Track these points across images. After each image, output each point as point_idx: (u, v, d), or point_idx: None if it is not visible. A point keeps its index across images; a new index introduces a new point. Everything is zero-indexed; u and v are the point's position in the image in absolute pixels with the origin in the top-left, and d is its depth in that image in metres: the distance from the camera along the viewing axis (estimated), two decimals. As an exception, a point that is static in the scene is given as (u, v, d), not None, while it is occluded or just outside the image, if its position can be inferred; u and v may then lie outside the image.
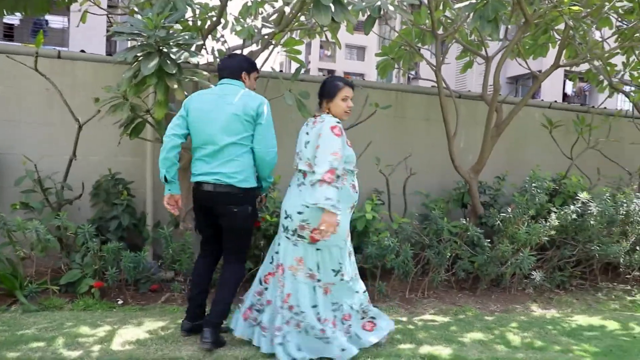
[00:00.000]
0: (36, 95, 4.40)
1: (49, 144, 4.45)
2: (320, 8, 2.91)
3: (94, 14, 4.72)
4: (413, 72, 10.07)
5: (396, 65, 5.79)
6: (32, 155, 4.28)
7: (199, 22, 4.49)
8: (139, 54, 3.15)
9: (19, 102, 4.40)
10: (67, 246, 4.14)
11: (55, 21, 11.82)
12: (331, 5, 2.96)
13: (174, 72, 3.14)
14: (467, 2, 3.70)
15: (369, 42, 33.67)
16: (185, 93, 3.46)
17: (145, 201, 4.60)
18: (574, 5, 3.99)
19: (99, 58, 4.69)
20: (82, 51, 4.74)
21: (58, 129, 4.46)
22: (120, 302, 3.86)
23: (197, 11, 4.55)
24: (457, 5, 4.04)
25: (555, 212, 4.32)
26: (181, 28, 4.50)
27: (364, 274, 4.57)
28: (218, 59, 4.60)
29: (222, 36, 4.44)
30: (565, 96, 18.18)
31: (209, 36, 4.27)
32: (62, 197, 4.25)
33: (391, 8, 3.50)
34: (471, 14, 3.70)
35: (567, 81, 17.96)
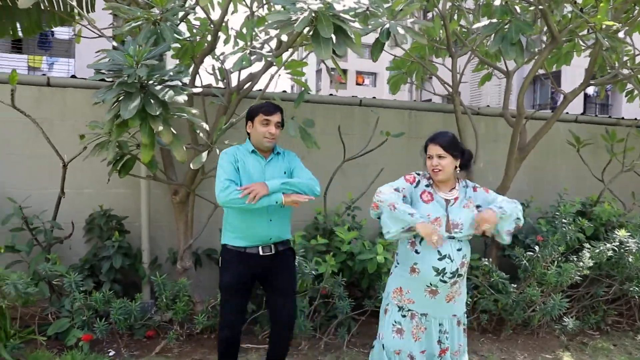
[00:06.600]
0: (22, 125, 4.07)
1: (36, 178, 4.15)
2: (320, 41, 2.52)
3: (86, 37, 4.43)
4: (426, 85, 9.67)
5: (408, 80, 5.41)
6: (20, 189, 4.01)
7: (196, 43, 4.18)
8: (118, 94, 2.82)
9: (3, 134, 4.10)
10: (58, 287, 3.86)
11: (61, 32, 11.63)
12: (332, 36, 2.58)
13: (158, 112, 2.79)
14: (487, 22, 3.29)
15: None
16: (174, 131, 3.12)
17: (141, 236, 4.29)
18: (608, 20, 3.53)
19: (90, 84, 4.37)
20: (73, 76, 4.45)
21: (46, 162, 4.14)
22: (111, 353, 3.57)
23: (194, 30, 4.25)
24: (475, 26, 3.62)
25: (588, 250, 3.87)
26: (172, 53, 4.20)
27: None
28: (220, 80, 4.27)
29: (223, 53, 4.10)
30: (586, 96, 17.52)
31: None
32: (51, 238, 3.96)
33: (401, 31, 3.12)
34: (492, 36, 3.29)
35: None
